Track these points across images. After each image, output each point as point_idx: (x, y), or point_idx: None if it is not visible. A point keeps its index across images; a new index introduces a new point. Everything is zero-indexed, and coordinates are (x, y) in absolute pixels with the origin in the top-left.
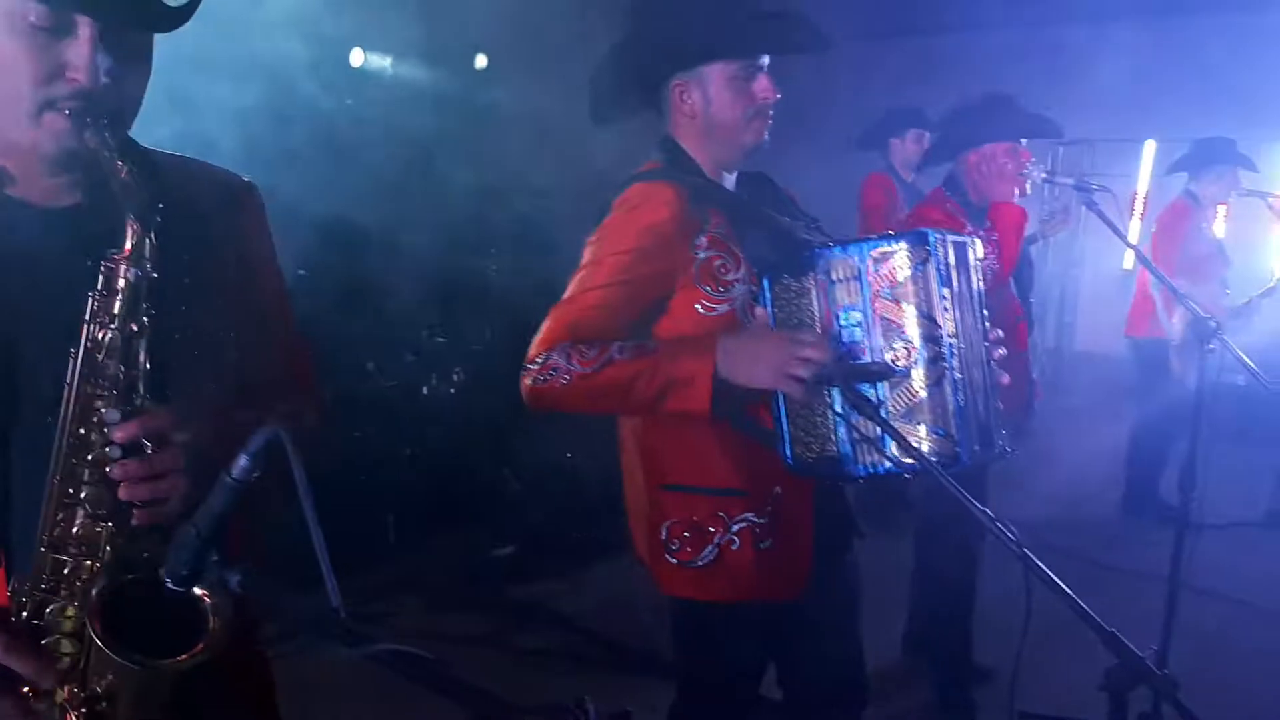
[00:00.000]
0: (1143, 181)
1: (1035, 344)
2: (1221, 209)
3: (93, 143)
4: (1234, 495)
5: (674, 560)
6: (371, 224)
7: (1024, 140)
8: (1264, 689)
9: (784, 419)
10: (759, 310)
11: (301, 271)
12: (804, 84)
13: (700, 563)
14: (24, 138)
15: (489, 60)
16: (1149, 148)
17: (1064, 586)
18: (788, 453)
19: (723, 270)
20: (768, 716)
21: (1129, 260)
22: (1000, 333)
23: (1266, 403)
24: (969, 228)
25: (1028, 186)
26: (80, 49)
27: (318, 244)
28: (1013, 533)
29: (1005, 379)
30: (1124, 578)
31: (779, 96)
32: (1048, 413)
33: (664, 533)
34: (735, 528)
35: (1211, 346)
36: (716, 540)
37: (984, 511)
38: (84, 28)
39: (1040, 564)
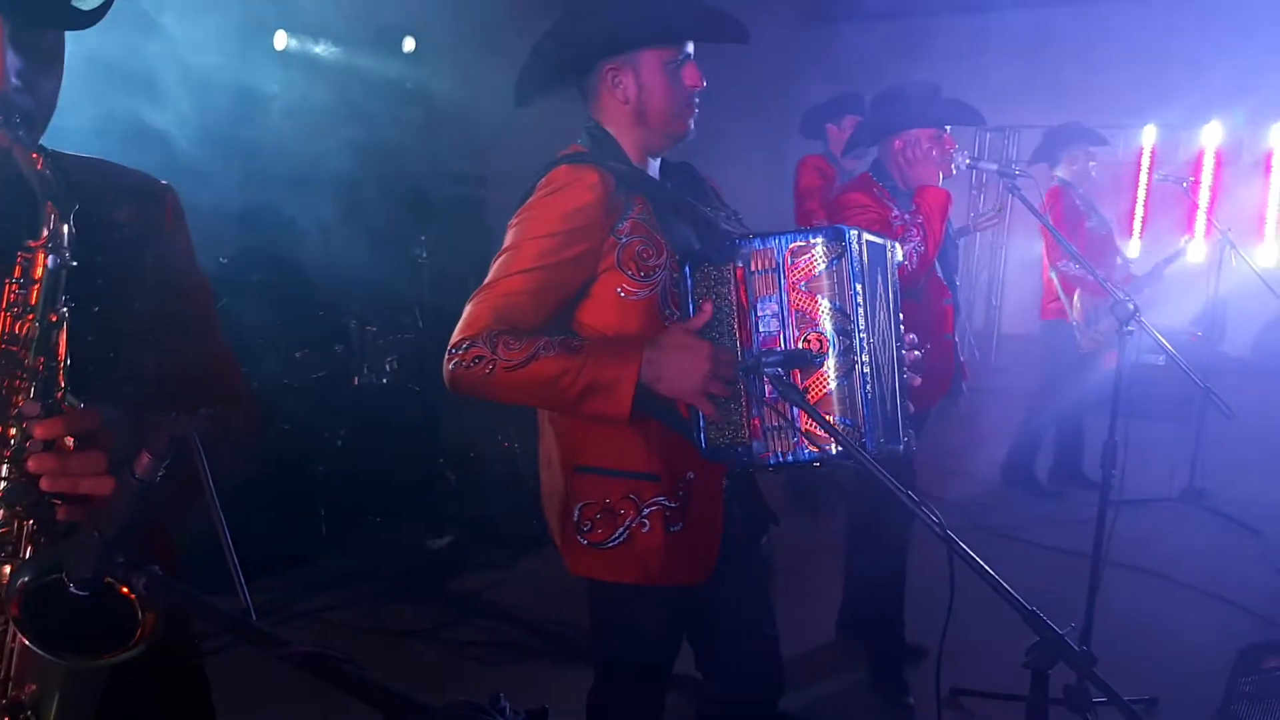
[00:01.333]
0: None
1: (964, 327)
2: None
3: (4, 141)
4: (1154, 472)
5: (585, 541)
6: (297, 211)
7: (948, 127)
8: (1182, 662)
9: (699, 409)
10: (673, 324)
11: (224, 260)
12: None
13: (611, 544)
14: None
15: (416, 43)
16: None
17: (986, 567)
18: (702, 439)
19: (644, 256)
20: (690, 696)
21: None
22: (914, 336)
23: (1183, 382)
24: (895, 211)
25: (952, 169)
26: None
27: (241, 231)
28: (936, 515)
29: (916, 381)
30: (1052, 555)
31: (705, 85)
32: (975, 395)
33: (576, 514)
34: (646, 511)
35: (1130, 328)
36: (628, 523)
37: (908, 495)
38: None
39: (963, 545)
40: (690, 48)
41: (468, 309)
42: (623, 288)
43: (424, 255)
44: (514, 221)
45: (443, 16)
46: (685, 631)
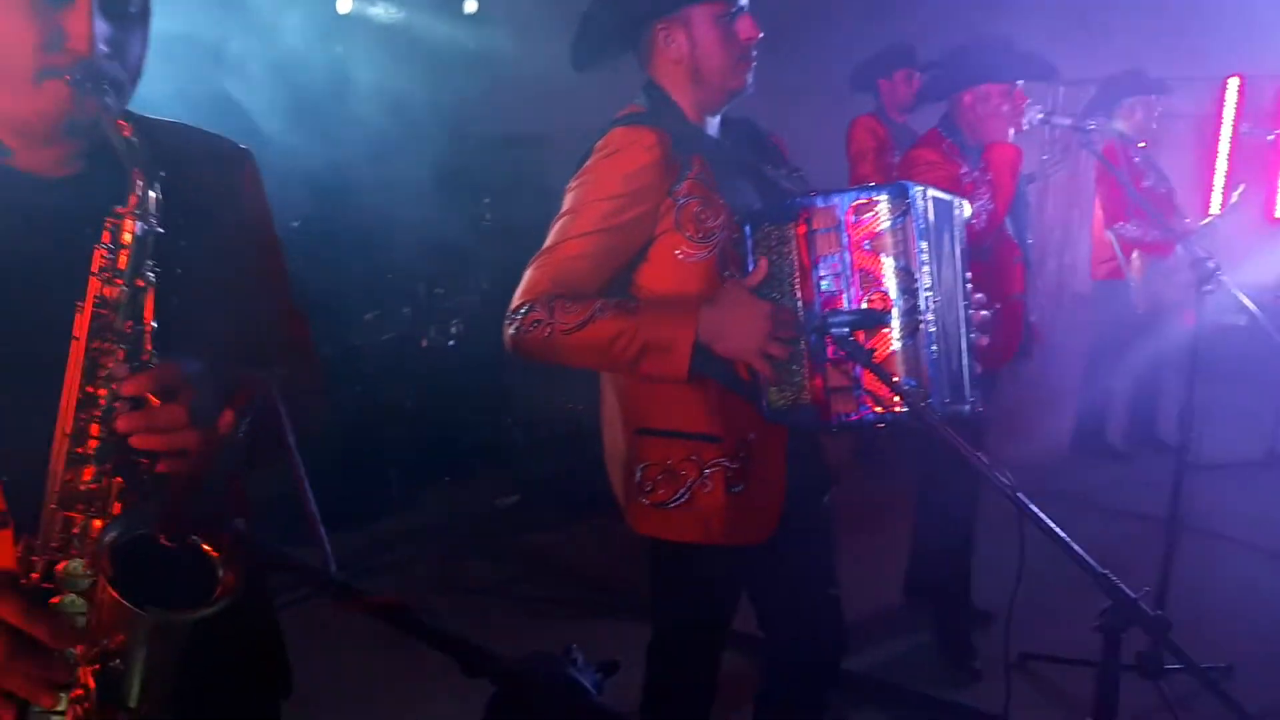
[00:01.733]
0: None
1: (1035, 286)
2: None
3: (93, 109)
4: (1235, 435)
5: (647, 501)
6: (364, 175)
7: (1020, 81)
8: (1261, 630)
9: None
10: (729, 281)
11: (294, 224)
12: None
13: (672, 504)
14: (24, 107)
15: (479, 5)
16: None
17: (1056, 529)
18: (763, 402)
19: (703, 217)
20: (751, 654)
21: None
22: (982, 296)
23: (1265, 343)
24: (964, 168)
25: (1024, 124)
26: (79, 17)
27: (311, 196)
28: (1008, 478)
29: (984, 341)
30: (1124, 519)
31: (762, 36)
32: (1046, 355)
33: (638, 475)
34: (708, 471)
35: (1209, 288)
36: (689, 483)
37: (978, 457)
38: None
39: (1035, 508)
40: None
41: (526, 274)
42: (681, 249)
43: (488, 217)
44: (572, 185)
45: None
46: (746, 589)
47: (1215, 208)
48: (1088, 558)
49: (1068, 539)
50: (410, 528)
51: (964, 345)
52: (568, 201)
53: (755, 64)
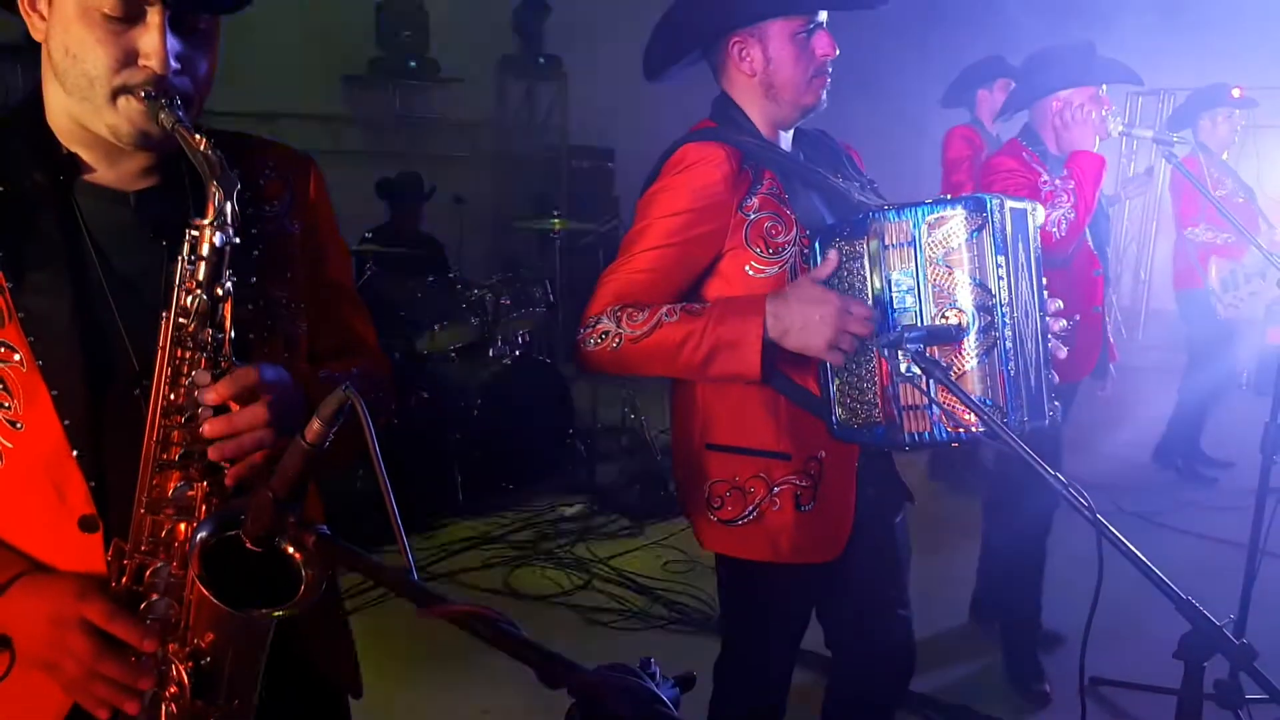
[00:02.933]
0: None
1: (1111, 302)
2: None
3: (168, 123)
4: None
5: (715, 518)
6: (437, 187)
7: (1104, 86)
8: None
9: (830, 385)
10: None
11: (368, 234)
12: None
13: (741, 522)
14: (100, 124)
15: (551, 15)
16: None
17: (1139, 554)
18: (833, 419)
19: (773, 232)
20: (819, 672)
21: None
22: (1060, 303)
23: None
24: (1045, 176)
25: (1108, 132)
26: (151, 36)
27: (383, 207)
28: (1086, 498)
29: (1061, 353)
30: (1201, 542)
31: (838, 54)
32: (1122, 373)
33: (707, 491)
34: (777, 489)
35: None
36: (758, 501)
37: (1056, 477)
38: (154, 14)
39: (1114, 531)
40: (823, 16)
41: (597, 290)
42: (751, 265)
43: (555, 229)
44: (642, 201)
45: None
46: (815, 608)
47: None
48: (1170, 583)
49: (1147, 562)
50: (474, 534)
51: (1041, 358)
52: (638, 217)
53: (830, 81)
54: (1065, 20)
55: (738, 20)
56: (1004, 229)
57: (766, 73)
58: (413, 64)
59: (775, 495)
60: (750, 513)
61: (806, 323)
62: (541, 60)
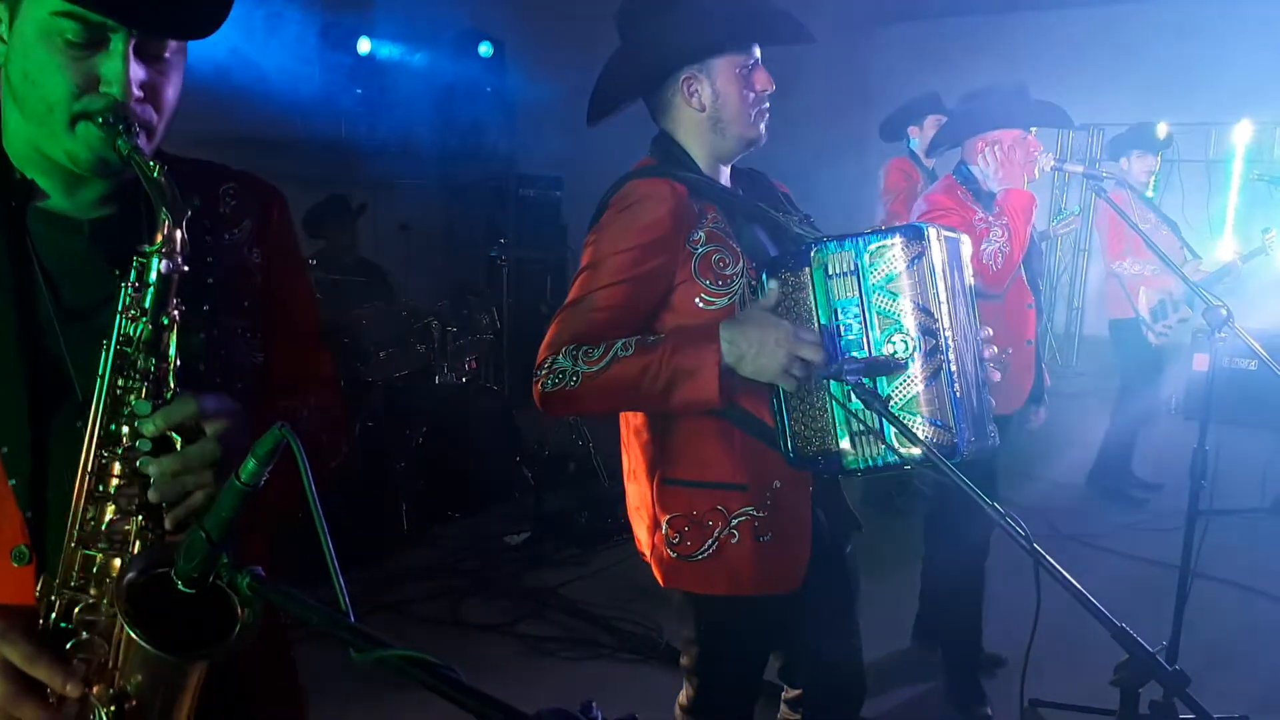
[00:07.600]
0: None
1: (1045, 331)
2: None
3: (124, 150)
4: (1243, 482)
5: (674, 554)
6: (380, 213)
7: (1033, 129)
8: (1273, 679)
9: (784, 414)
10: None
11: (311, 261)
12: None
13: (700, 556)
14: (58, 150)
15: (493, 48)
16: (1161, 129)
17: (1073, 581)
18: (788, 447)
19: (721, 264)
20: (771, 701)
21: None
22: (990, 330)
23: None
24: (979, 213)
25: (1036, 172)
26: (114, 62)
27: (326, 233)
28: (1022, 527)
29: (996, 375)
30: (1134, 563)
31: (774, 89)
32: (1055, 399)
33: (664, 527)
34: (735, 521)
35: (1222, 335)
36: (716, 534)
37: (993, 506)
38: (118, 42)
39: (1049, 558)
40: (758, 52)
41: (550, 329)
42: (701, 297)
43: (502, 257)
44: (590, 239)
45: (519, 20)
46: (774, 639)
47: (1228, 252)
48: (1104, 610)
49: (1083, 591)
50: (420, 564)
51: (980, 380)
52: (586, 255)
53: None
54: (1005, 53)
55: (689, 57)
56: (941, 255)
57: (715, 107)
58: (359, 90)
59: (734, 527)
60: (709, 546)
61: (761, 348)
62: (487, 90)
